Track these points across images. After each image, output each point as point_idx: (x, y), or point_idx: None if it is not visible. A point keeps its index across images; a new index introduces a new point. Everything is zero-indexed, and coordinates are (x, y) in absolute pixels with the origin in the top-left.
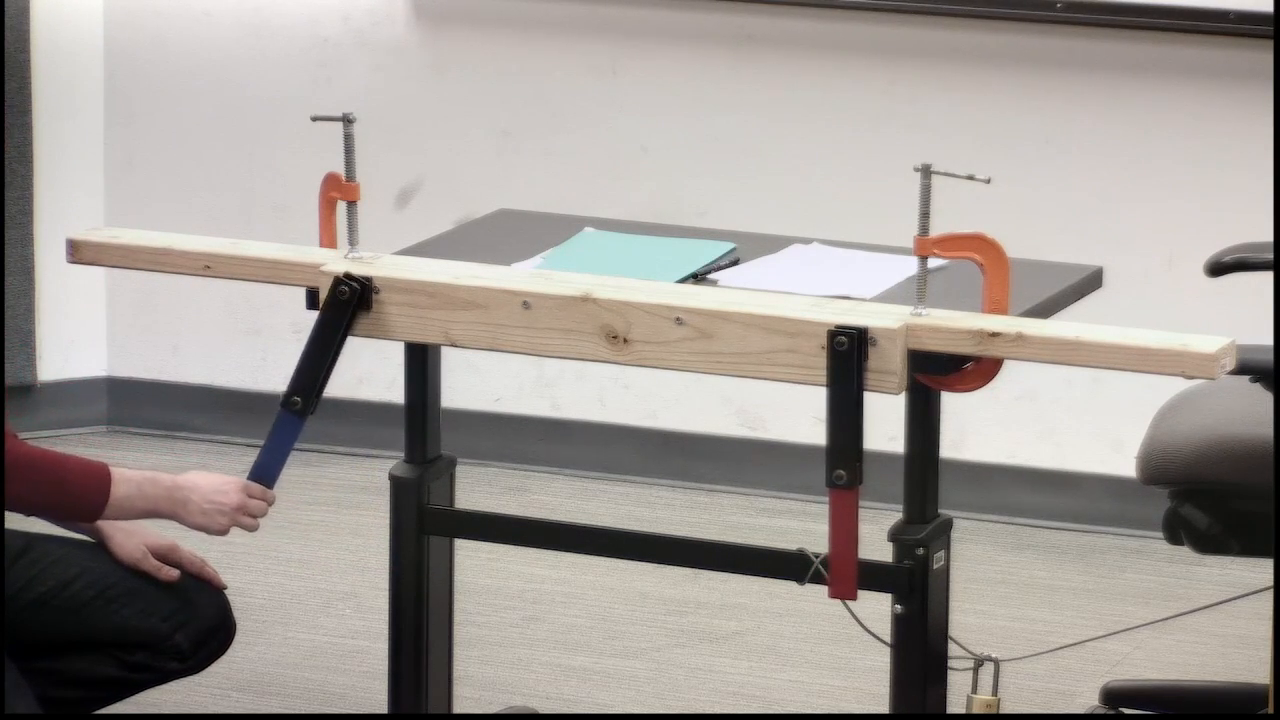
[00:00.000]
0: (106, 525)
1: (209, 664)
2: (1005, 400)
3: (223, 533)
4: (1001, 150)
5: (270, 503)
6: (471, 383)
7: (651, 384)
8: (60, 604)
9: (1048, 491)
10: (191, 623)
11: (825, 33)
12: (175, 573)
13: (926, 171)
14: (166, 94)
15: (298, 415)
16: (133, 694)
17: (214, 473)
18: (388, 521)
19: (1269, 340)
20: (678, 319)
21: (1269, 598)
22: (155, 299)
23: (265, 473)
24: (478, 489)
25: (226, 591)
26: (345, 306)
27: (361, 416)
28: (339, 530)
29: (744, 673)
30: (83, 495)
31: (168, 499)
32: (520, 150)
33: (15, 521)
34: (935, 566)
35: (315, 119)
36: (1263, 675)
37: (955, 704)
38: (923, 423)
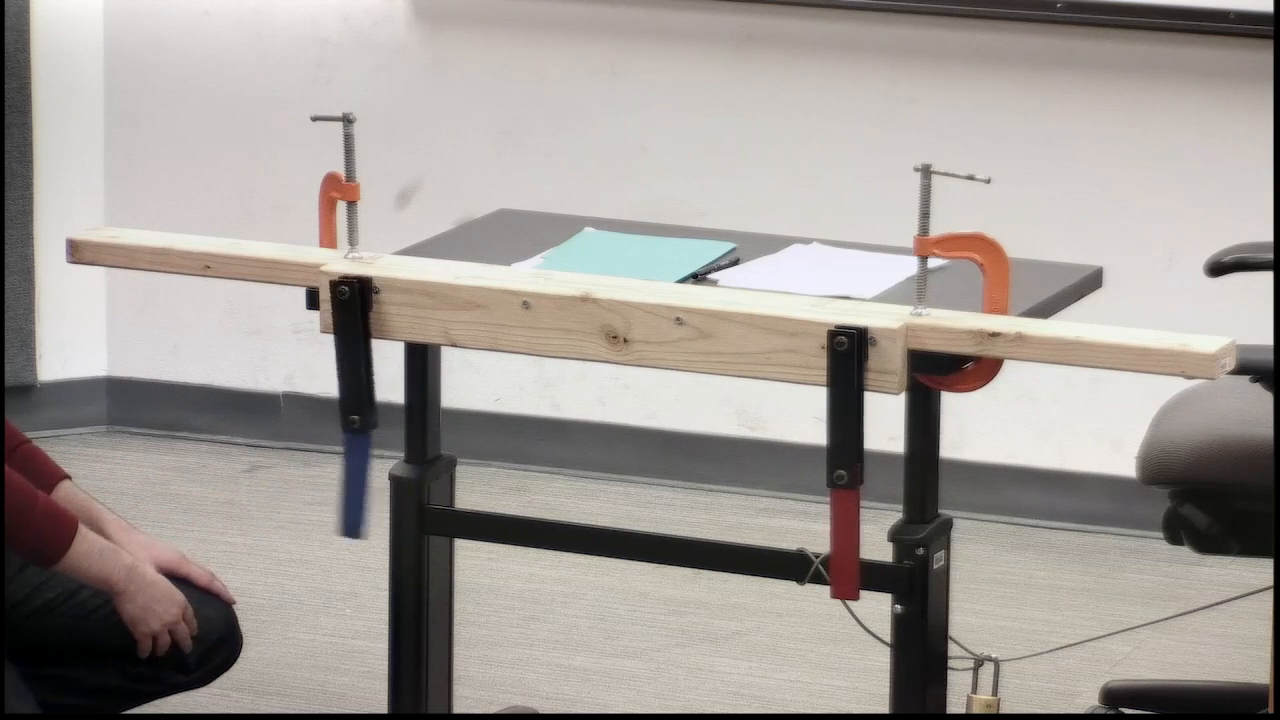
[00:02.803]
0: (118, 535)
1: (214, 677)
2: (1005, 400)
3: (144, 637)
4: (1001, 150)
5: (193, 634)
6: (471, 383)
7: (651, 384)
8: (66, 612)
9: (1048, 491)
10: (197, 635)
11: (825, 33)
12: (181, 600)
13: (926, 171)
14: (166, 94)
15: (361, 433)
16: (137, 704)
17: (165, 582)
18: (388, 521)
19: (1269, 340)
20: (678, 319)
21: (1269, 598)
22: (155, 299)
23: (354, 513)
24: (478, 489)
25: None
26: (353, 310)
27: None
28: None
29: (744, 673)
30: (42, 540)
31: (123, 578)
32: (520, 150)
33: None
34: (935, 566)
35: (315, 119)
36: (1263, 675)
37: (955, 704)
38: (923, 423)
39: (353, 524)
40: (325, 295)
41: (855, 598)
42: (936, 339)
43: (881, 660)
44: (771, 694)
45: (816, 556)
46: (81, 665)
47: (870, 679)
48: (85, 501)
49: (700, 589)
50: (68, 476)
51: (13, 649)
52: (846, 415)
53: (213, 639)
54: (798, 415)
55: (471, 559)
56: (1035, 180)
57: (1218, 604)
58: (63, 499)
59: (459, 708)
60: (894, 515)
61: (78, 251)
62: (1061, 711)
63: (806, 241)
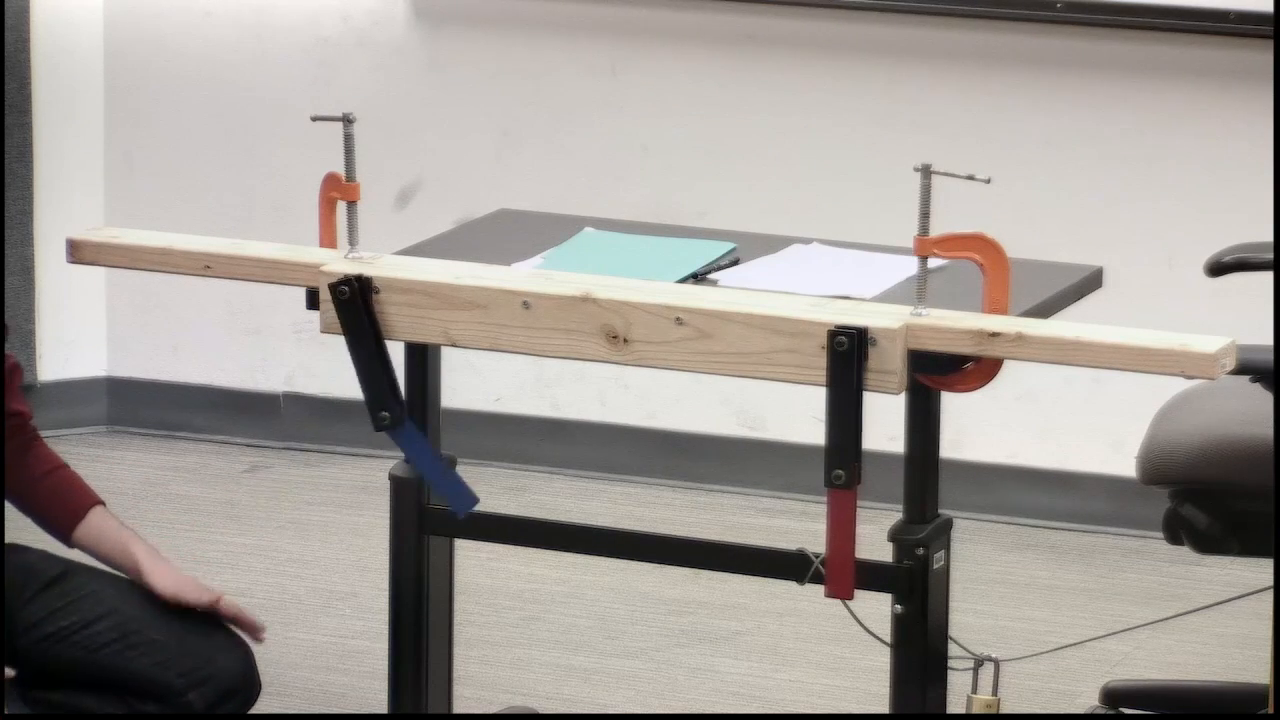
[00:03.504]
0: (148, 565)
1: None
2: (1005, 400)
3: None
4: (1001, 150)
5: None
6: (471, 383)
7: (651, 384)
8: (78, 641)
9: (1048, 491)
10: (209, 683)
11: (825, 33)
12: (210, 596)
13: (926, 171)
14: (166, 94)
15: (397, 427)
16: None
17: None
18: (388, 521)
19: (1269, 340)
20: (678, 319)
21: (1269, 598)
22: (155, 299)
23: (454, 491)
24: (478, 489)
25: (248, 636)
26: (356, 309)
27: (362, 416)
28: (339, 530)
29: (744, 673)
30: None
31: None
32: (520, 150)
33: (56, 549)
34: (935, 566)
35: (315, 119)
36: (1263, 675)
37: (955, 704)
38: (923, 423)
39: (460, 500)
40: (325, 295)
41: (850, 596)
42: (936, 339)
43: (881, 660)
44: (771, 694)
45: (816, 556)
46: (90, 695)
47: (870, 679)
48: (116, 529)
49: (700, 589)
50: (101, 502)
51: (22, 670)
52: (846, 415)
53: (224, 688)
54: (797, 415)
55: (471, 559)
56: (1035, 180)
57: (1218, 604)
58: (95, 526)
59: (459, 708)
60: (894, 515)
61: (78, 251)
62: (1061, 711)
63: (806, 241)
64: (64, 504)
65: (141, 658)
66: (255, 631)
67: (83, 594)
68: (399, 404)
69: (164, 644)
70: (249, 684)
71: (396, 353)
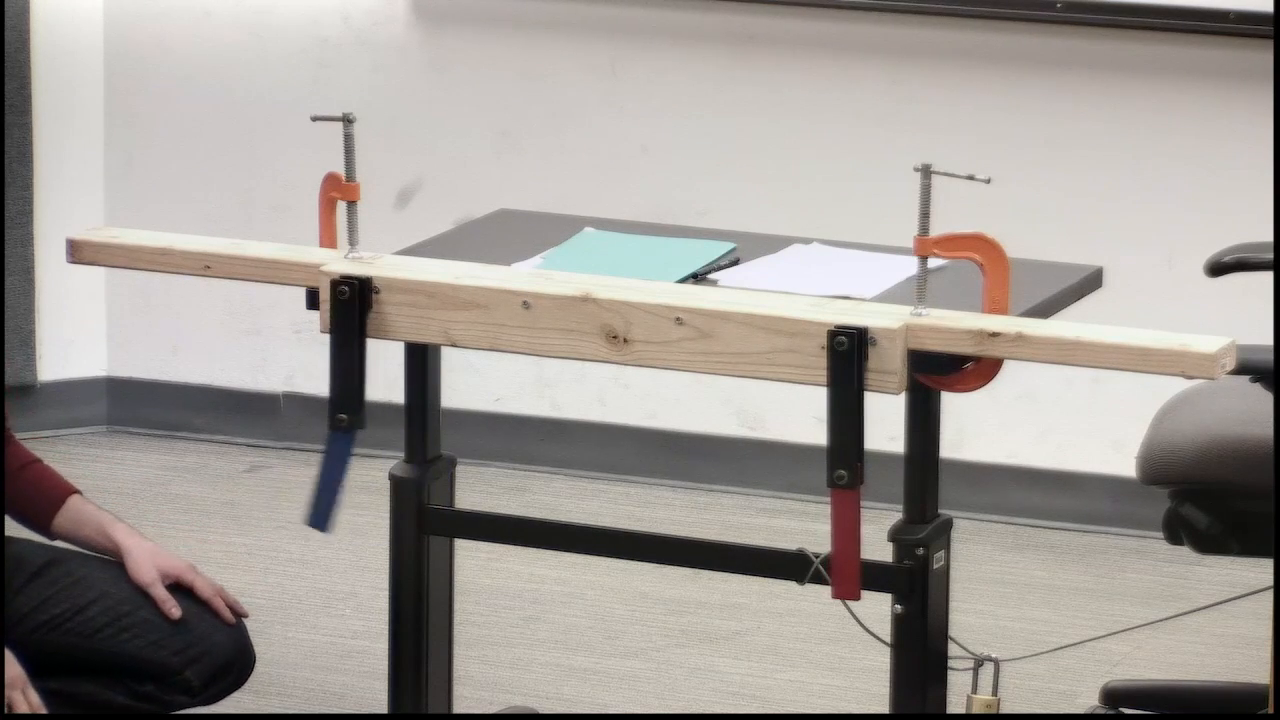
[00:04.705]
0: (126, 540)
1: (222, 698)
2: (1005, 400)
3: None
4: (1001, 150)
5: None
6: (471, 383)
7: (651, 384)
8: (72, 628)
9: (1048, 491)
10: (204, 659)
11: (825, 33)
12: (178, 611)
13: (926, 171)
14: (166, 94)
15: (347, 432)
16: None
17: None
18: (388, 521)
19: (1269, 340)
20: (678, 319)
21: (1269, 598)
22: (155, 299)
23: (325, 507)
24: (478, 489)
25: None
26: (351, 310)
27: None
28: (339, 530)
29: (744, 673)
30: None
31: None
32: (520, 150)
33: (40, 538)
34: (935, 566)
35: (315, 119)
36: (1263, 675)
37: (955, 704)
38: (923, 423)
39: (321, 518)
40: (325, 295)
41: (856, 597)
42: (936, 339)
43: (881, 660)
44: (771, 694)
45: (816, 556)
46: (87, 680)
47: (870, 679)
48: (94, 513)
49: (700, 589)
50: (77, 491)
51: (18, 660)
52: (846, 415)
53: (220, 663)
54: (798, 415)
55: (471, 559)
56: (1035, 180)
57: (1218, 604)
58: (74, 510)
59: (459, 708)
60: (894, 515)
61: (78, 251)
62: (1061, 711)
63: (806, 241)
64: (44, 493)
65: (135, 639)
66: (230, 616)
67: (72, 580)
68: (361, 411)
69: (156, 624)
70: (244, 657)
71: (396, 352)
